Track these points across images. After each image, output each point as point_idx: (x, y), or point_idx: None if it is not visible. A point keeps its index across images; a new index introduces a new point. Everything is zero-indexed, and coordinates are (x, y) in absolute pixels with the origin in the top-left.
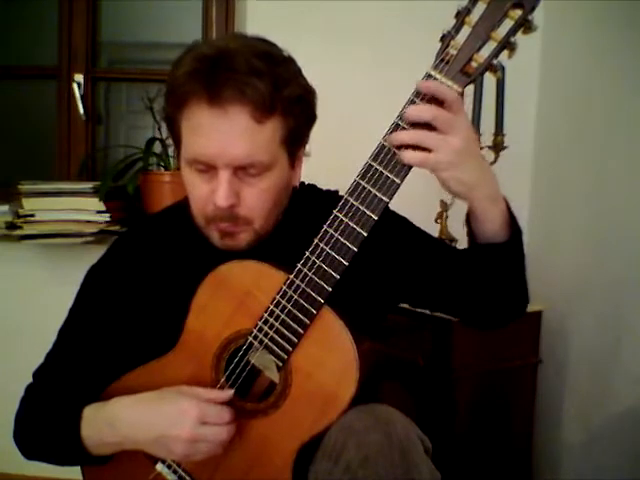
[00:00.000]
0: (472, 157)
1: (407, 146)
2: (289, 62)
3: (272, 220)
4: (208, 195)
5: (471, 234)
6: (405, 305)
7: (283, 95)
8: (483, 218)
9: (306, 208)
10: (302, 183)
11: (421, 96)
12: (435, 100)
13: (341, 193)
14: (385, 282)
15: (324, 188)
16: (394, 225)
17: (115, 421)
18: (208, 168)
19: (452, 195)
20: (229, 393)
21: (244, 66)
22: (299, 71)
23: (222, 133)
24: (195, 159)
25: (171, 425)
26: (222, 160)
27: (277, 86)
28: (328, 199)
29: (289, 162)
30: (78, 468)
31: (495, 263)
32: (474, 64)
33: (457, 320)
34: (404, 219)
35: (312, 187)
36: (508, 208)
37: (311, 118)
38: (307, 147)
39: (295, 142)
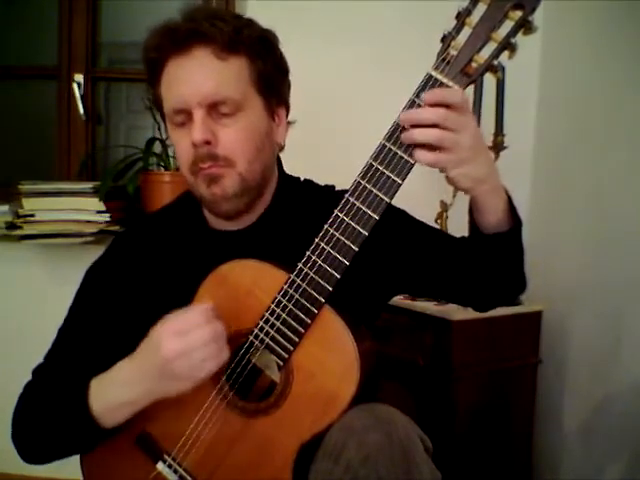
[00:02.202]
0: (481, 153)
1: (416, 145)
2: (251, 19)
3: (257, 169)
4: (189, 145)
5: (474, 224)
6: (405, 304)
7: (243, 35)
8: (487, 210)
9: (302, 201)
10: (298, 178)
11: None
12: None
13: (338, 188)
14: (386, 275)
15: (321, 184)
16: (392, 218)
17: (128, 381)
18: (186, 119)
19: (458, 190)
20: (203, 305)
21: (204, 15)
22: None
23: (190, 73)
24: (172, 108)
25: (156, 352)
26: (193, 99)
27: (237, 29)
28: (324, 193)
29: (265, 109)
30: (78, 469)
31: (498, 251)
32: (475, 65)
33: (456, 320)
34: (402, 211)
35: (309, 182)
36: (509, 198)
37: (280, 66)
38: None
39: (268, 88)
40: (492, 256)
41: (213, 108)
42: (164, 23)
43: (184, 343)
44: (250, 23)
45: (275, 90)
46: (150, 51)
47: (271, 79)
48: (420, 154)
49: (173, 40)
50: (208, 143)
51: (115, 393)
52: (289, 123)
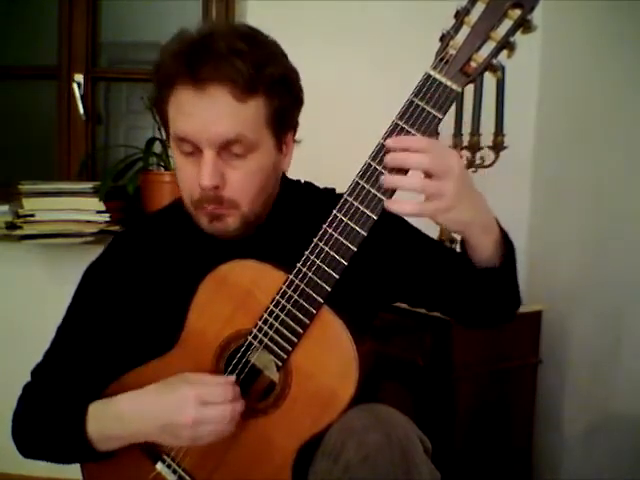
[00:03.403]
0: (466, 197)
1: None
2: (272, 44)
3: (260, 205)
4: (194, 178)
5: (466, 256)
6: (405, 305)
7: (265, 74)
8: (477, 247)
9: (303, 205)
10: (298, 181)
11: (421, 94)
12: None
13: (339, 191)
14: (383, 281)
15: (321, 186)
16: (391, 225)
17: (123, 415)
18: (194, 150)
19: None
20: (231, 379)
21: (224, 47)
22: (283, 53)
23: (204, 111)
24: (179, 137)
25: (173, 411)
26: (205, 138)
27: (258, 66)
28: (325, 197)
29: (276, 145)
30: (78, 468)
31: (490, 283)
32: (473, 64)
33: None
34: (401, 219)
35: (309, 185)
36: (500, 228)
37: (297, 100)
38: (298, 134)
39: (281, 124)
40: (484, 287)
41: (224, 148)
42: (181, 45)
43: (201, 414)
44: (273, 59)
45: (288, 123)
46: (166, 65)
47: (286, 114)
48: (404, 204)
49: (190, 72)
50: (216, 187)
51: (110, 425)
52: (295, 142)
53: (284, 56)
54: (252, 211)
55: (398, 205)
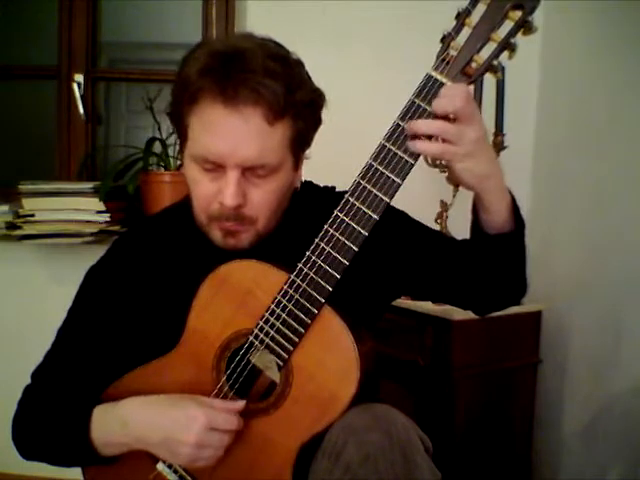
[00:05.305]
0: (485, 148)
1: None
2: (300, 65)
3: (274, 220)
4: (213, 194)
5: (476, 224)
6: (405, 304)
7: (295, 98)
8: (491, 209)
9: (304, 205)
10: None
11: (422, 95)
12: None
13: (338, 190)
14: (386, 277)
15: (321, 185)
16: (393, 220)
17: (127, 421)
18: (215, 167)
19: (463, 187)
20: (241, 404)
21: (260, 67)
22: (308, 75)
23: (235, 133)
24: (204, 157)
25: (179, 429)
26: (232, 160)
27: (290, 89)
28: (325, 196)
29: (294, 164)
30: (78, 469)
31: (501, 252)
32: (474, 65)
33: (456, 320)
34: (402, 213)
35: (309, 184)
36: (513, 199)
37: (318, 122)
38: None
39: (301, 145)
40: (494, 257)
41: (248, 169)
42: (210, 60)
43: (205, 438)
44: (303, 82)
45: (307, 143)
46: (193, 81)
47: (307, 136)
48: (424, 144)
49: (222, 89)
50: (238, 206)
51: (113, 430)
52: (305, 157)
53: (309, 77)
54: (267, 227)
55: (421, 144)
